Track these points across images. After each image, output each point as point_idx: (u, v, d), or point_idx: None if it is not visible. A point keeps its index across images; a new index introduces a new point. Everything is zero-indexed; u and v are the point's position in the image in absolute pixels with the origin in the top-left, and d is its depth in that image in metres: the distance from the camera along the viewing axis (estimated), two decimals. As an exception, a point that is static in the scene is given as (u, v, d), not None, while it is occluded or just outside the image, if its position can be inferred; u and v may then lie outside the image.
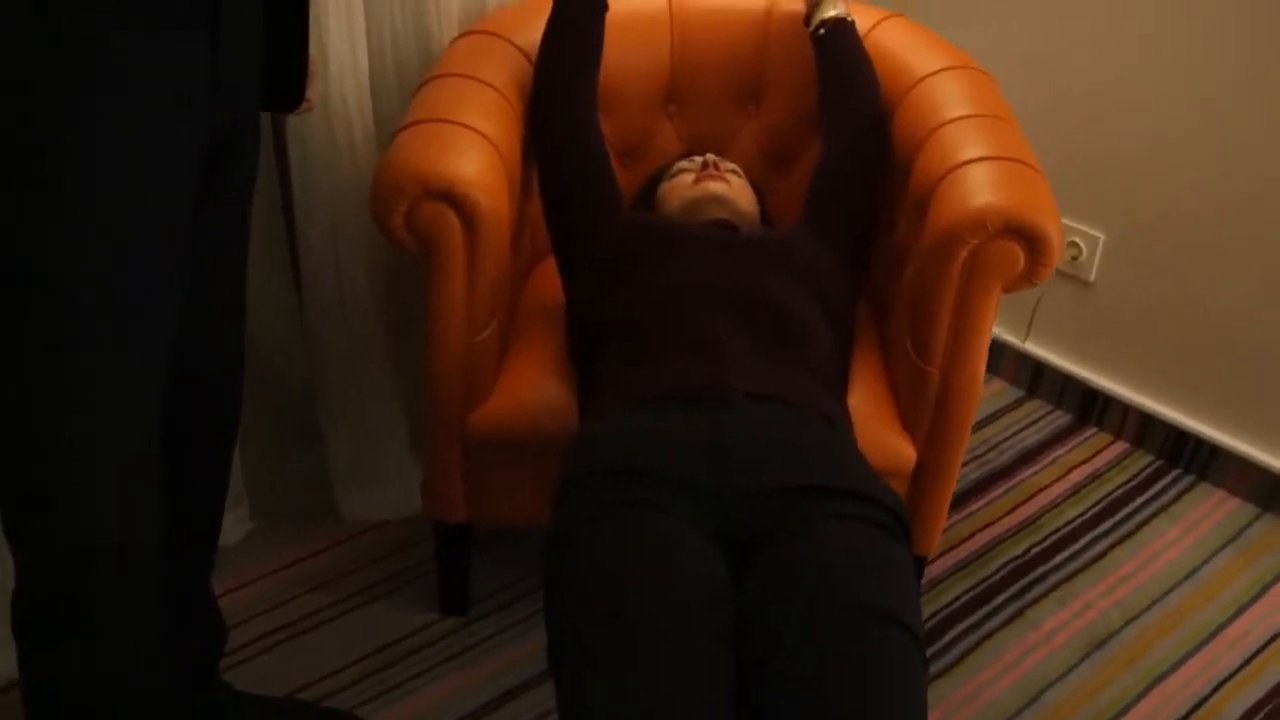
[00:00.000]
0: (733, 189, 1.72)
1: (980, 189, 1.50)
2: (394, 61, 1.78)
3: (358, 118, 1.71)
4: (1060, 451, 2.30)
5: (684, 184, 1.73)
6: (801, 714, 1.05)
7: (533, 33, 1.76)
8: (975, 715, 1.70)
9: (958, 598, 1.91)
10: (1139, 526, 2.10)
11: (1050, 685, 1.76)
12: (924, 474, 1.65)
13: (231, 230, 1.29)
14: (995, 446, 2.30)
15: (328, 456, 1.94)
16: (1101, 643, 1.84)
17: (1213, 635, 1.87)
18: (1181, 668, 1.80)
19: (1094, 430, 2.36)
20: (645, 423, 1.31)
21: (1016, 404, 2.44)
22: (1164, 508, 2.16)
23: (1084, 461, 2.27)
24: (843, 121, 1.76)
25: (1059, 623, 1.87)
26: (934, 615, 1.87)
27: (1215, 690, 1.77)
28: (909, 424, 1.63)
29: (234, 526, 1.89)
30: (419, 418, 1.94)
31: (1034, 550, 2.03)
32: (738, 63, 1.95)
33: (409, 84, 1.77)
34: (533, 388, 1.62)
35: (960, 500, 2.12)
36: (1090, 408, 2.37)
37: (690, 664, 1.07)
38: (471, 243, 1.49)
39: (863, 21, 1.86)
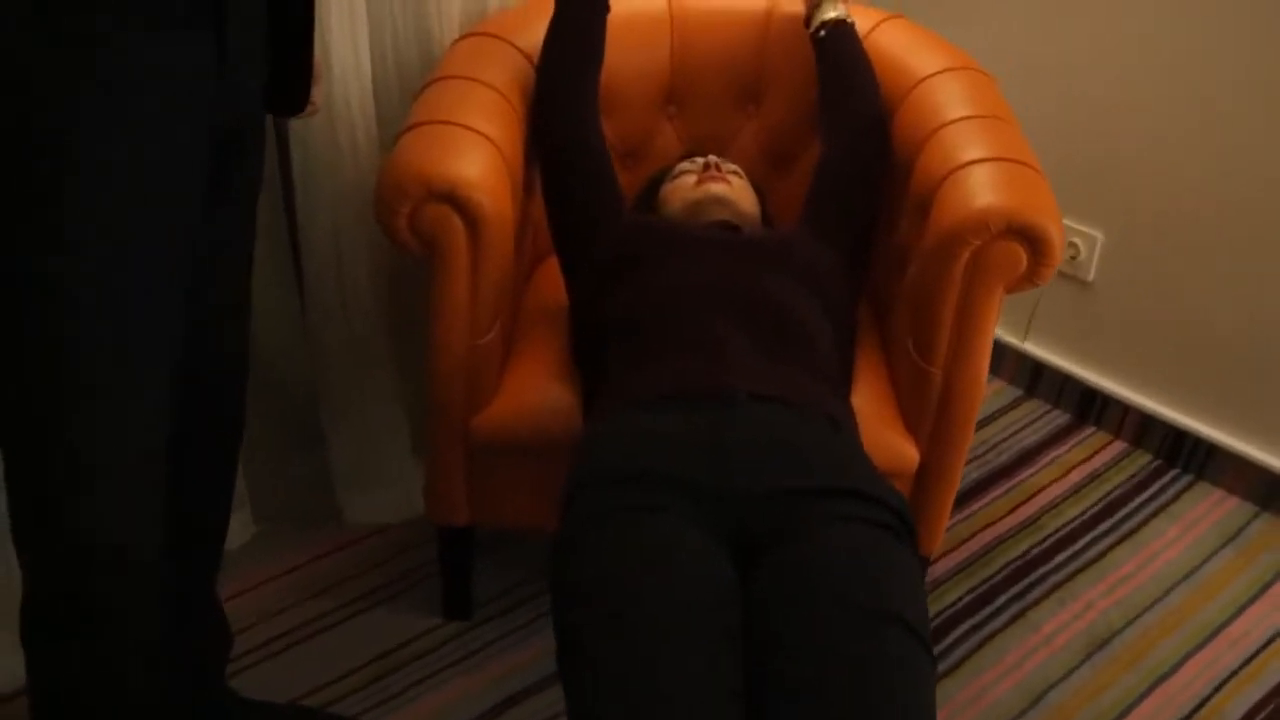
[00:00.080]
0: (734, 190, 1.72)
1: (982, 190, 1.50)
2: (395, 63, 1.78)
3: (360, 119, 1.71)
4: (1059, 451, 2.30)
5: (686, 185, 1.73)
6: (801, 714, 1.05)
7: (533, 34, 1.76)
8: (979, 717, 1.71)
9: (960, 598, 1.92)
10: (1139, 526, 2.11)
11: (1052, 686, 1.76)
12: (927, 475, 1.65)
13: (233, 230, 1.28)
14: (995, 446, 2.30)
15: (330, 460, 1.94)
16: (1103, 643, 1.84)
17: (1213, 635, 1.87)
18: (1183, 668, 1.80)
19: (1093, 430, 2.37)
20: (647, 424, 1.31)
21: (1015, 404, 2.44)
22: (1163, 507, 2.16)
23: (1083, 461, 2.27)
24: (843, 122, 1.77)
25: (1060, 624, 1.88)
26: (937, 616, 1.87)
27: (1217, 690, 1.77)
28: (911, 425, 1.63)
29: (237, 531, 1.88)
30: (421, 420, 1.94)
31: (1034, 551, 2.03)
32: (738, 64, 1.95)
33: (410, 85, 1.77)
34: (536, 390, 1.62)
35: (961, 500, 2.12)
36: (1089, 407, 2.37)
37: (692, 665, 1.07)
38: (475, 245, 1.49)
39: (863, 23, 1.86)
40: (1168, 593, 1.95)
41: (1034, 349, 2.45)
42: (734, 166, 1.79)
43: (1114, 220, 2.24)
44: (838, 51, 1.81)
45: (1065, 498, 2.17)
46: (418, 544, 1.94)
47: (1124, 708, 1.73)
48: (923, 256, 1.55)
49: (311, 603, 1.84)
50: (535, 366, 1.65)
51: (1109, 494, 2.19)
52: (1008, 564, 2.00)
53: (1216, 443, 2.20)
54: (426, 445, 1.68)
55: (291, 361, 1.90)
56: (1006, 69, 1.89)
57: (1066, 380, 2.40)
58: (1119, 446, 2.32)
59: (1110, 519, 2.12)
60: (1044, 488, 2.20)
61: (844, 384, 1.58)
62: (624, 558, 1.15)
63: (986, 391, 2.39)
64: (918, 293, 1.57)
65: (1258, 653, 1.84)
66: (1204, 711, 1.73)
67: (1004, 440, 2.32)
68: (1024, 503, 2.15)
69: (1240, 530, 2.11)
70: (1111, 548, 2.05)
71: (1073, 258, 2.28)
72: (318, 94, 1.34)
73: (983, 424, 2.35)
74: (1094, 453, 2.30)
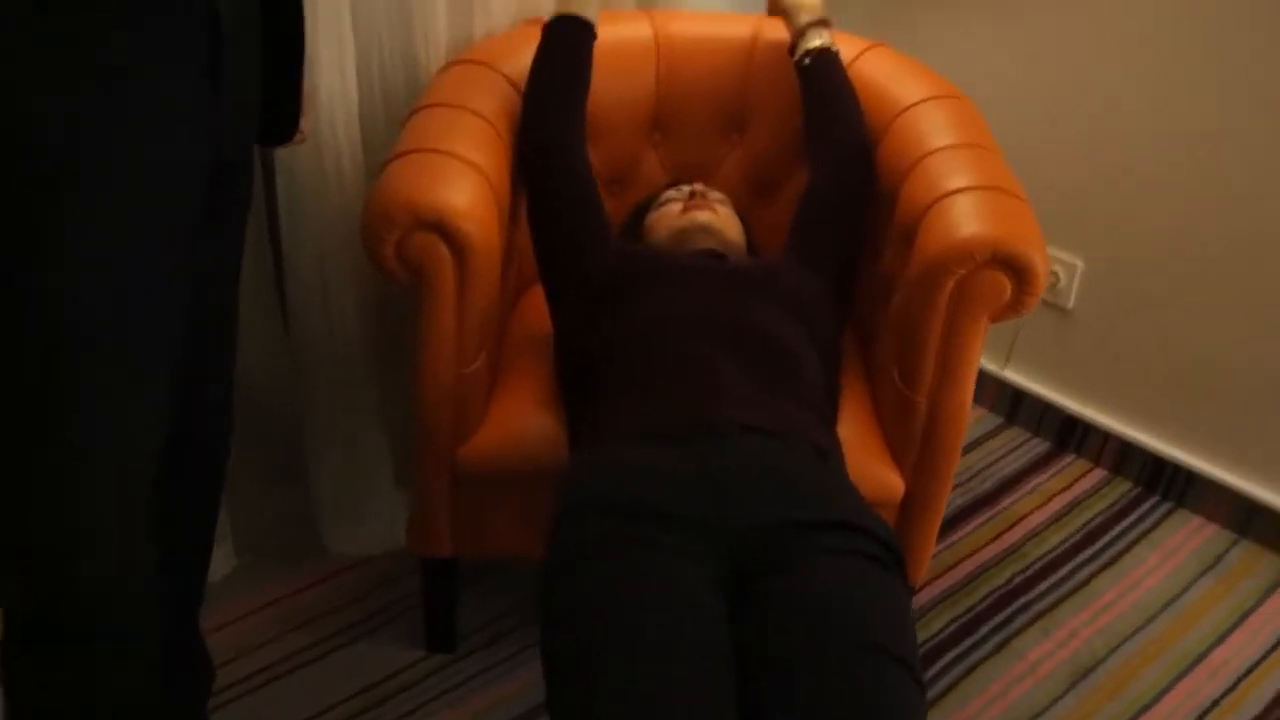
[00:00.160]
0: (720, 218, 1.72)
1: (967, 219, 1.51)
2: (382, 89, 1.77)
3: (346, 146, 1.70)
4: (1040, 478, 2.31)
5: (671, 213, 1.73)
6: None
7: (519, 62, 1.75)
8: (965, 747, 1.71)
9: (944, 627, 1.92)
10: (1120, 554, 2.12)
11: (1037, 716, 1.76)
12: (912, 504, 1.65)
13: (221, 257, 1.27)
14: (977, 474, 2.31)
15: (312, 490, 1.92)
16: (1086, 672, 1.84)
17: (1195, 663, 1.88)
18: (1165, 697, 1.81)
19: (1073, 457, 2.38)
20: (637, 454, 1.30)
21: (996, 431, 2.45)
22: (1144, 534, 2.17)
23: (1064, 489, 2.28)
24: (828, 151, 1.77)
25: (1044, 652, 1.88)
26: (922, 646, 1.87)
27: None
28: (897, 454, 1.63)
29: (219, 563, 1.86)
30: (404, 452, 1.93)
31: (1017, 579, 2.04)
32: (722, 91, 1.96)
33: (397, 112, 1.76)
34: (522, 418, 1.61)
35: (943, 528, 2.11)
36: (1069, 435, 2.38)
37: (687, 695, 1.06)
38: (462, 274, 1.49)
39: (846, 51, 1.87)
40: (1150, 621, 1.96)
41: (1014, 376, 2.46)
42: (720, 195, 1.80)
43: (1093, 248, 2.26)
44: (822, 80, 1.82)
45: (1047, 525, 2.18)
46: (400, 576, 1.92)
47: (1109, 738, 1.74)
48: (908, 285, 1.55)
49: (293, 636, 1.81)
50: (521, 395, 1.64)
51: (1090, 521, 2.20)
52: (991, 592, 2.00)
53: (1195, 470, 2.21)
54: (412, 475, 1.66)
55: (275, 390, 1.88)
56: (985, 96, 1.90)
57: (1047, 408, 2.41)
58: (1099, 474, 2.33)
59: (1092, 546, 2.13)
60: (1025, 515, 2.20)
61: (830, 412, 1.58)
62: (617, 589, 1.14)
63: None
64: (903, 321, 1.57)
65: (1238, 682, 1.84)
66: (1188, 741, 1.74)
67: (986, 468, 2.33)
68: (1006, 530, 2.16)
69: (1220, 558, 2.12)
70: (1094, 575, 2.06)
71: (1053, 285, 2.30)
72: (306, 124, 1.34)
73: (964, 451, 2.35)
74: (1074, 480, 2.31)
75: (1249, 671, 1.86)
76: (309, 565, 1.95)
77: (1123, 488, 2.29)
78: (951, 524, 2.16)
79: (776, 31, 1.92)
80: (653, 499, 1.22)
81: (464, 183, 1.50)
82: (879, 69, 1.88)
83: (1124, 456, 2.31)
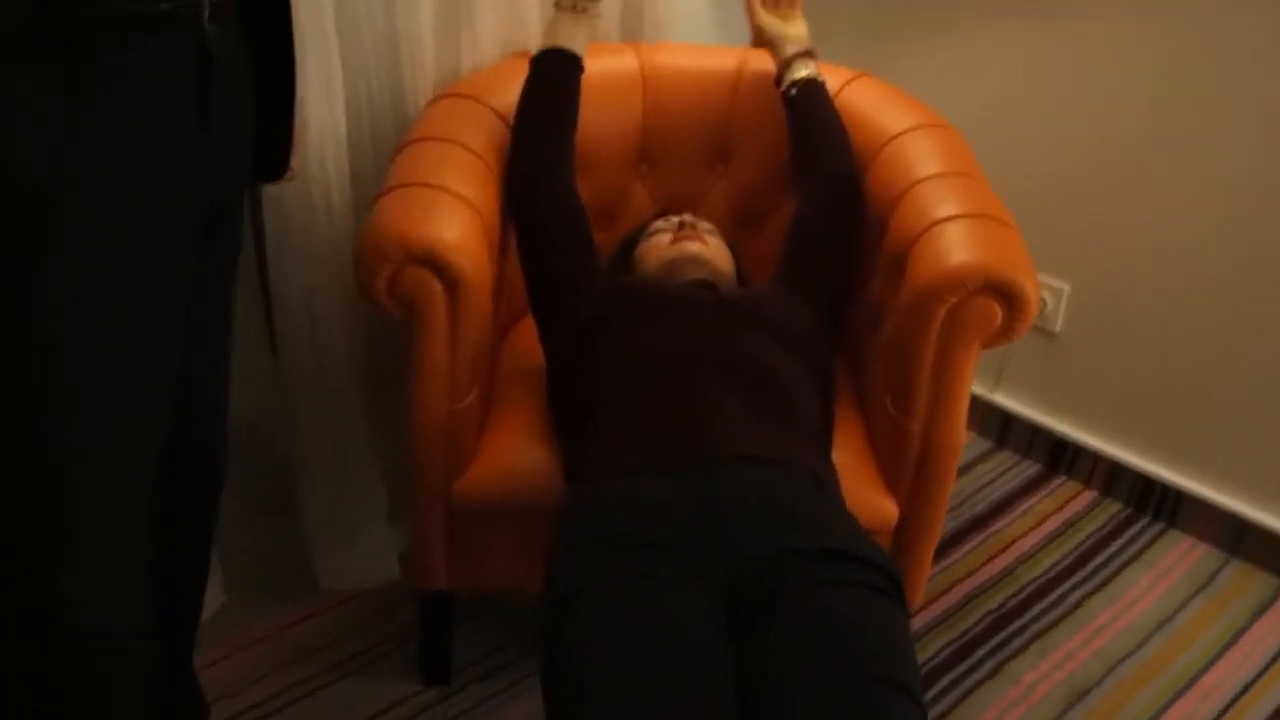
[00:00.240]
0: (710, 249, 1.73)
1: (957, 247, 1.52)
2: (370, 123, 1.77)
3: (335, 179, 1.70)
4: (1032, 501, 2.32)
5: (661, 244, 1.73)
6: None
7: (507, 95, 1.76)
8: (963, 773, 1.71)
9: (939, 652, 1.91)
10: (1113, 575, 2.12)
11: (1034, 740, 1.76)
12: (906, 530, 1.65)
13: (213, 299, 1.27)
14: (968, 498, 2.31)
15: (303, 524, 1.90)
16: (1082, 695, 1.84)
17: (1189, 685, 1.88)
18: None
19: (1064, 479, 2.39)
20: (634, 487, 1.30)
21: (987, 455, 2.46)
22: (1136, 555, 2.18)
23: (1055, 511, 2.29)
24: (816, 180, 1.78)
25: (1040, 675, 1.88)
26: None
27: (1194, 741, 1.78)
28: (890, 481, 1.64)
29: (210, 598, 1.83)
30: (396, 484, 1.92)
31: (1011, 602, 2.04)
32: (708, 123, 1.97)
33: (385, 146, 1.76)
34: (516, 451, 1.60)
35: (937, 553, 2.11)
36: (1060, 457, 2.39)
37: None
38: (454, 308, 1.48)
39: (832, 82, 1.88)
40: (1144, 643, 1.96)
41: (1004, 400, 2.47)
42: (709, 225, 1.80)
43: (1080, 272, 2.27)
44: (809, 110, 1.83)
45: (1040, 548, 2.18)
46: (393, 609, 1.91)
47: (1106, 761, 1.74)
48: (899, 313, 1.56)
49: (286, 671, 1.80)
50: (514, 428, 1.64)
51: (1082, 543, 2.20)
52: (986, 615, 2.00)
53: (1185, 490, 2.22)
54: (404, 509, 1.66)
55: (264, 424, 1.88)
56: (971, 123, 1.92)
57: (1036, 431, 2.42)
58: (1090, 496, 2.34)
59: (1084, 568, 2.13)
60: (1018, 538, 2.21)
61: (825, 440, 1.58)
62: (617, 621, 1.14)
63: (959, 443, 2.41)
64: (894, 349, 1.58)
65: (1232, 703, 1.85)
66: (1184, 763, 1.74)
67: (977, 491, 2.34)
68: (999, 554, 2.16)
69: (1212, 578, 2.13)
70: (1087, 597, 2.06)
71: (1040, 309, 2.31)
72: (296, 160, 1.34)
73: (956, 475, 2.36)
74: (1065, 502, 2.32)
75: (1242, 693, 1.87)
76: (300, 600, 1.93)
77: (1113, 509, 2.30)
78: (946, 548, 2.16)
79: (762, 63, 1.93)
80: (650, 531, 1.22)
81: (455, 217, 1.50)
82: (865, 99, 1.89)
83: (1114, 477, 2.32)
